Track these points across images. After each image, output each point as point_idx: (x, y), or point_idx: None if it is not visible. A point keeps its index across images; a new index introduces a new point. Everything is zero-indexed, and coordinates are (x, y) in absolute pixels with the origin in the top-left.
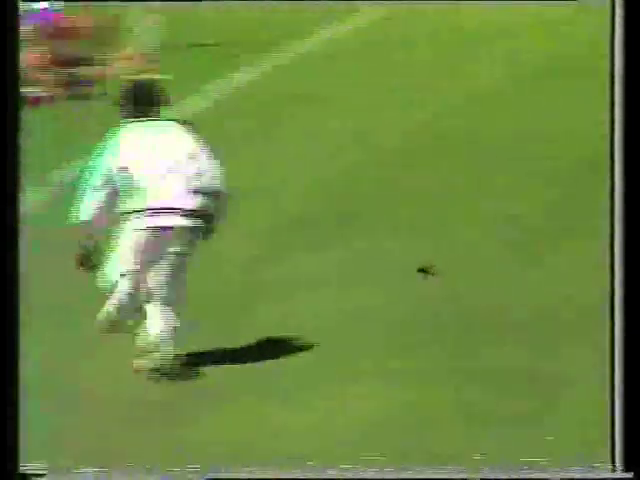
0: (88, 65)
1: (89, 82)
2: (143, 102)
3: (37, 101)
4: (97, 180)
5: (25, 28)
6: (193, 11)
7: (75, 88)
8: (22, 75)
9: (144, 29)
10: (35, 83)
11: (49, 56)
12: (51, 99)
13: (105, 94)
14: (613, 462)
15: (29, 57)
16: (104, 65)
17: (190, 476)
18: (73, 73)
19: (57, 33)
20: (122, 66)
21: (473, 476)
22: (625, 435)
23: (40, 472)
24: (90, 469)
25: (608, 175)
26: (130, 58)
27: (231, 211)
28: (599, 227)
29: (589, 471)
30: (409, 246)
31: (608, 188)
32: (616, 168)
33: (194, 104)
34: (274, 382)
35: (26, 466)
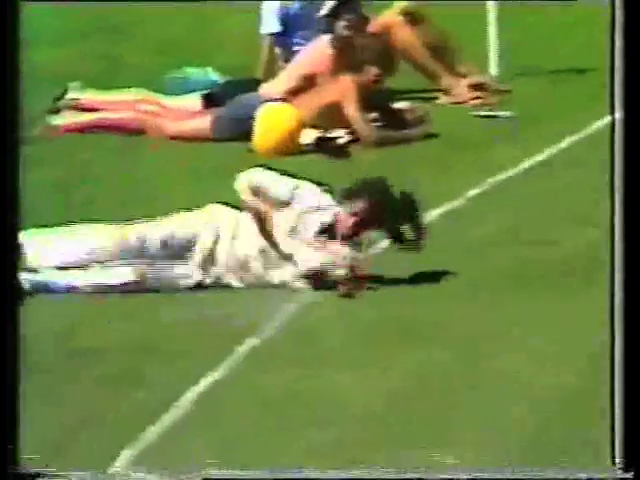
0: (406, 99)
1: (411, 122)
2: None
3: (340, 151)
4: None
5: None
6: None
7: (390, 130)
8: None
9: (496, 46)
10: (333, 124)
11: (355, 87)
12: (347, 146)
13: (433, 136)
14: (613, 462)
15: (330, 88)
16: (432, 97)
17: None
18: (388, 109)
19: (364, 53)
20: (456, 100)
21: (473, 476)
22: (625, 435)
23: (40, 472)
24: (88, 470)
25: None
26: (471, 87)
27: None
28: None
29: (589, 471)
30: None
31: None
32: None
33: (531, 151)
34: None
35: (26, 466)
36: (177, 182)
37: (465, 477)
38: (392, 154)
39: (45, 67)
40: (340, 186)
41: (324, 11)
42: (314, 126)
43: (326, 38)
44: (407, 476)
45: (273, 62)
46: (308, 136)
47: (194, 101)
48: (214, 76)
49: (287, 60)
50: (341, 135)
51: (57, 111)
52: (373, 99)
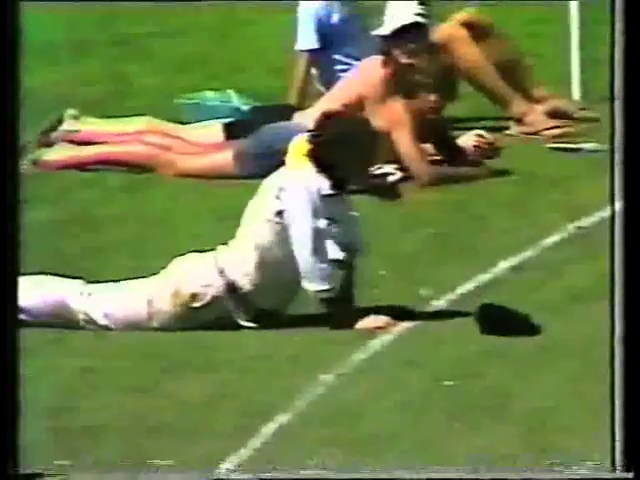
0: (470, 128)
1: (478, 154)
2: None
3: (389, 190)
4: None
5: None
6: None
7: (450, 167)
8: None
9: (579, 66)
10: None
11: (408, 115)
12: (398, 184)
13: (503, 174)
14: (613, 462)
15: (378, 116)
16: (502, 127)
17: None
18: (447, 141)
19: (420, 75)
20: (530, 129)
21: (473, 476)
22: (625, 435)
23: (40, 472)
24: (91, 468)
25: None
26: (549, 114)
27: None
28: None
29: (589, 471)
30: None
31: None
32: None
33: None
34: None
35: (26, 466)
36: (193, 227)
37: (465, 477)
38: (452, 195)
39: (39, 90)
40: (389, 234)
41: (382, 31)
42: None
43: (377, 58)
44: (406, 476)
45: (309, 85)
46: None
47: (214, 131)
48: (238, 101)
49: (327, 83)
50: (391, 171)
51: (49, 144)
52: (429, 129)
